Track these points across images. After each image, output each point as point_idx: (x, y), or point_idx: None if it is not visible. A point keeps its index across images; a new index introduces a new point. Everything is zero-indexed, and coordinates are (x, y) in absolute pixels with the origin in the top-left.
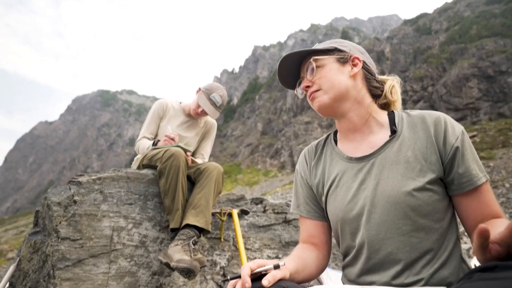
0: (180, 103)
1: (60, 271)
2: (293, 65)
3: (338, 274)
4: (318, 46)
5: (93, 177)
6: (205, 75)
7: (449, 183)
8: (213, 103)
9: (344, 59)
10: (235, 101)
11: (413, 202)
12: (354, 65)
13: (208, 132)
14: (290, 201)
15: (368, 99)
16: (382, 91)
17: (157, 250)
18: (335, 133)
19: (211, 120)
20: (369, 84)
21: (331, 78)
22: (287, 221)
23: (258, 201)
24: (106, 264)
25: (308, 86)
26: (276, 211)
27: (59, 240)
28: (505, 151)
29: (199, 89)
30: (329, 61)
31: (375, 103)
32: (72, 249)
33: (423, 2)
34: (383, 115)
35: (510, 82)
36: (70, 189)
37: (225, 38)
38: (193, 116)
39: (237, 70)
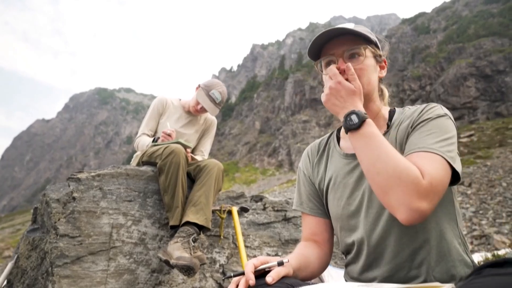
0: (180, 100)
1: (58, 268)
2: (326, 39)
3: (339, 271)
4: (362, 30)
5: (92, 174)
6: (203, 73)
7: None
8: (213, 100)
9: (379, 58)
10: (233, 99)
11: None
12: (382, 68)
13: (207, 129)
14: (290, 198)
15: (378, 98)
16: (382, 92)
17: (156, 247)
18: (339, 129)
19: (211, 117)
20: (379, 85)
21: (369, 74)
22: (286, 219)
23: (258, 198)
24: (105, 261)
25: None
26: (275, 208)
27: (58, 237)
28: (502, 150)
29: (199, 85)
30: (370, 55)
31: (380, 99)
32: (71, 246)
33: (421, 1)
34: (386, 112)
35: (508, 81)
36: (69, 186)
37: (223, 36)
38: (193, 113)
39: (235, 68)
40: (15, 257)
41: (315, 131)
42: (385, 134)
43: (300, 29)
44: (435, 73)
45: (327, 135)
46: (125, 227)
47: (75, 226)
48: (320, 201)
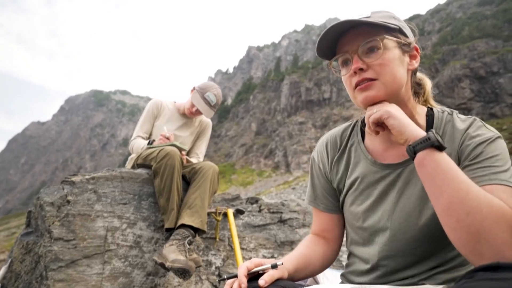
0: (175, 102)
1: (53, 272)
2: (338, 34)
3: (335, 273)
4: (375, 18)
5: (87, 177)
6: (199, 75)
7: None
8: (208, 102)
9: (407, 47)
10: (229, 101)
11: (434, 225)
12: (413, 57)
13: (203, 132)
14: (286, 200)
15: (411, 97)
16: (421, 86)
17: (151, 250)
18: (364, 122)
19: (206, 120)
20: (413, 79)
21: (394, 69)
22: (282, 221)
23: (254, 200)
24: (100, 264)
25: (361, 69)
26: (271, 210)
27: (52, 240)
28: None
29: (194, 88)
30: (393, 45)
31: (415, 100)
32: (65, 249)
33: (416, 3)
34: (422, 116)
35: (502, 82)
36: (63, 189)
37: (219, 38)
38: (188, 116)
39: (231, 70)
40: (9, 261)
41: (311, 133)
42: None
43: (295, 31)
44: (430, 75)
45: (350, 126)
46: (120, 230)
47: (69, 230)
48: (335, 197)
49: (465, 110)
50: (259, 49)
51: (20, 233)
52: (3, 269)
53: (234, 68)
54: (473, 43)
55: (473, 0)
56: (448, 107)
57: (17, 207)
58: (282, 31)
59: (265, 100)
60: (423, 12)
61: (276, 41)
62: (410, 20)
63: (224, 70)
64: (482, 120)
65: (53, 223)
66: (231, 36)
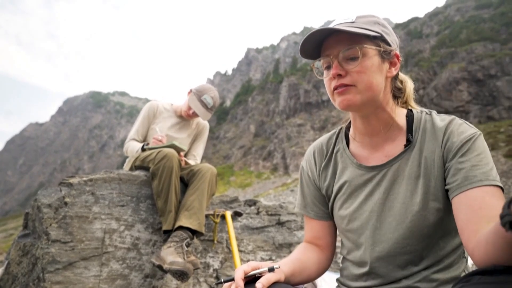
0: (172, 104)
1: (50, 274)
2: (321, 37)
3: (332, 275)
4: (359, 23)
5: (85, 179)
6: (198, 77)
7: (447, 189)
8: (204, 105)
9: (387, 55)
10: (228, 103)
11: (421, 222)
12: (393, 65)
13: (200, 134)
14: (284, 202)
15: (390, 101)
16: (401, 91)
17: (149, 252)
18: (349, 127)
19: (203, 122)
20: (393, 84)
21: (371, 77)
22: (280, 223)
23: (252, 203)
24: (97, 267)
25: (340, 75)
26: (269, 213)
27: (50, 242)
28: (494, 154)
29: (191, 90)
30: (373, 53)
31: (395, 103)
32: (63, 251)
33: (414, 6)
34: (402, 117)
35: (499, 85)
36: (61, 191)
37: (218, 40)
38: (185, 118)
39: (230, 72)
40: (6, 263)
41: (310, 135)
42: (405, 151)
43: (294, 33)
44: (428, 77)
45: (334, 134)
46: (117, 232)
47: (67, 232)
48: (325, 204)
49: (463, 113)
50: (258, 51)
51: (17, 235)
52: (0, 271)
53: (233, 70)
54: (471, 46)
55: (471, 3)
56: (446, 109)
57: (14, 208)
58: (281, 33)
59: (264, 102)
60: (421, 15)
61: (275, 43)
62: (408, 23)
63: (223, 72)
64: (480, 123)
65: (50, 225)
66: (230, 38)
